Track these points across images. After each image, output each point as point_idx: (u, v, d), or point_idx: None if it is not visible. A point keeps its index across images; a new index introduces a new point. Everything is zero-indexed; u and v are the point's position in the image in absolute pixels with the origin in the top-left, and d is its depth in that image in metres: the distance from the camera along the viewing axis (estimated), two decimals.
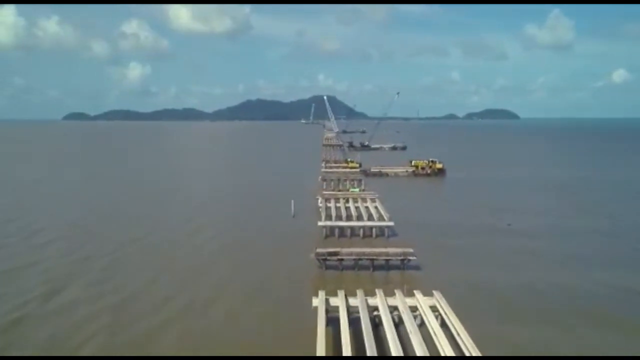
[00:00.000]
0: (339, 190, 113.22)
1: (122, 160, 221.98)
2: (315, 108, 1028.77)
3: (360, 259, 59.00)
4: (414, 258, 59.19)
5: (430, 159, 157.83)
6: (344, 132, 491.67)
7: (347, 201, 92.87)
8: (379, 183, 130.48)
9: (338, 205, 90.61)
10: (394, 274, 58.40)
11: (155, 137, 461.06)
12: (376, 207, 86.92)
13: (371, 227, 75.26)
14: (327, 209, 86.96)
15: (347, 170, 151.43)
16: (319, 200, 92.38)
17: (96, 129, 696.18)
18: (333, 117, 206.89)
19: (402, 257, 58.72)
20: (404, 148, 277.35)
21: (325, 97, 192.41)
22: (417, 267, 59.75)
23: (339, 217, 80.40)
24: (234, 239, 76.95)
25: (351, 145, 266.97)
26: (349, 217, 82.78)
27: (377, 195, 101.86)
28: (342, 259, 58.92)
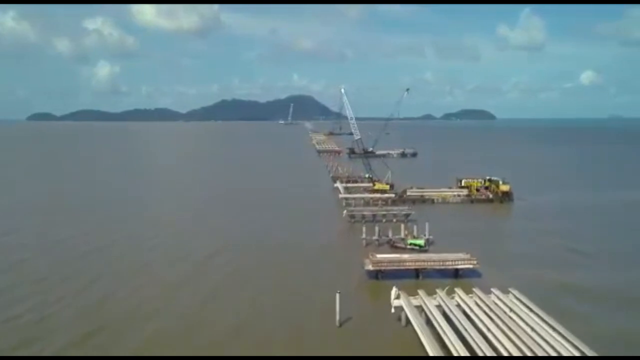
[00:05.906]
0: (393, 245, 67.36)
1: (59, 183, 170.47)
2: (293, 108, 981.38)
3: None
4: None
5: (488, 177, 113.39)
6: (331, 133, 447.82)
7: (450, 293, 45.99)
8: (426, 215, 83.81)
9: (433, 302, 43.78)
10: None
11: (120, 141, 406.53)
12: (523, 306, 40.52)
13: None
14: (415, 311, 40.71)
15: (377, 195, 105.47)
16: (392, 293, 44.81)
17: (55, 131, 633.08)
18: (354, 119, 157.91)
19: None
20: (414, 155, 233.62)
21: (342, 90, 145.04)
22: None
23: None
24: None
25: (352, 151, 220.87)
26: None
27: (475, 261, 56.95)
28: None
